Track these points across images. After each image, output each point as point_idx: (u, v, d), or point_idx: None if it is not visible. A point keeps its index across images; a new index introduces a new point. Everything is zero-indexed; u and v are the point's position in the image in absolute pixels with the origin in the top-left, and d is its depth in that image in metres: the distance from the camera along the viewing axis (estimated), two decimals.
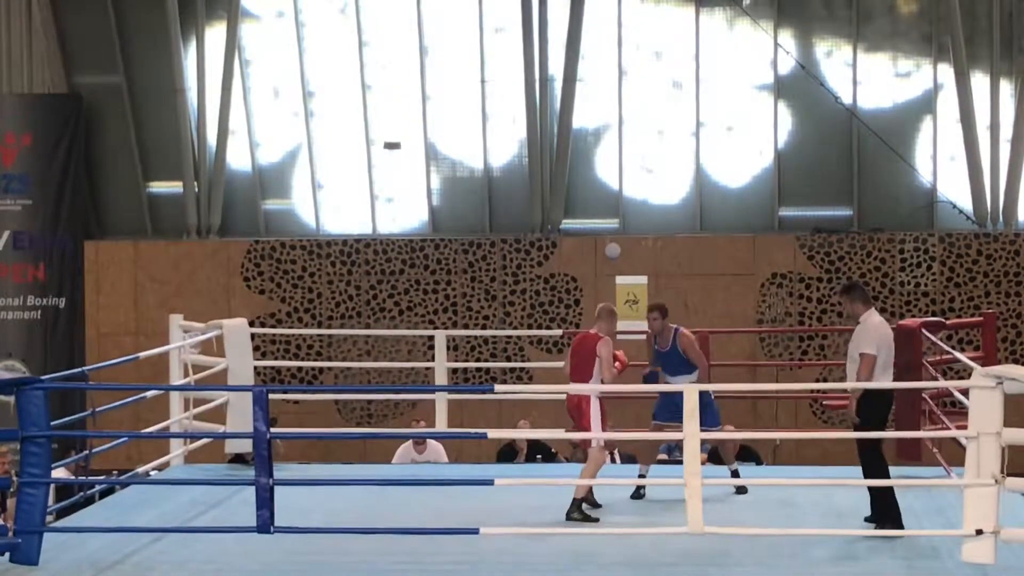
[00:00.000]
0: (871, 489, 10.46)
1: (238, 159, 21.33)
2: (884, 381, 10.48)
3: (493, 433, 10.98)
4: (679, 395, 10.40)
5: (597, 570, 9.52)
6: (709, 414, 11.66)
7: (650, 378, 12.28)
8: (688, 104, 20.73)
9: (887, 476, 10.39)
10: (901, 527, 10.23)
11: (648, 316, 12.41)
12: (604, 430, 11.09)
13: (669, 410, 11.70)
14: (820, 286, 20.21)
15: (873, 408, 10.38)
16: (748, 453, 16.09)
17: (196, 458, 13.59)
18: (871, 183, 20.58)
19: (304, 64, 21.03)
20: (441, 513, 11.07)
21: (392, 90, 20.99)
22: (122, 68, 21.12)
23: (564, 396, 12.37)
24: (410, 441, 15.64)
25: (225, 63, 20.74)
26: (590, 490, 11.20)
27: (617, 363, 11.29)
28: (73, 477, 14.42)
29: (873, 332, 10.47)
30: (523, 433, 15.83)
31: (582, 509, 11.02)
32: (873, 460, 10.40)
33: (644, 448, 12.47)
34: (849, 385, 10.66)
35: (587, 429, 11.02)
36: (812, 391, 17.83)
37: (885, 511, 10.34)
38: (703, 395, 11.59)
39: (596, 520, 10.97)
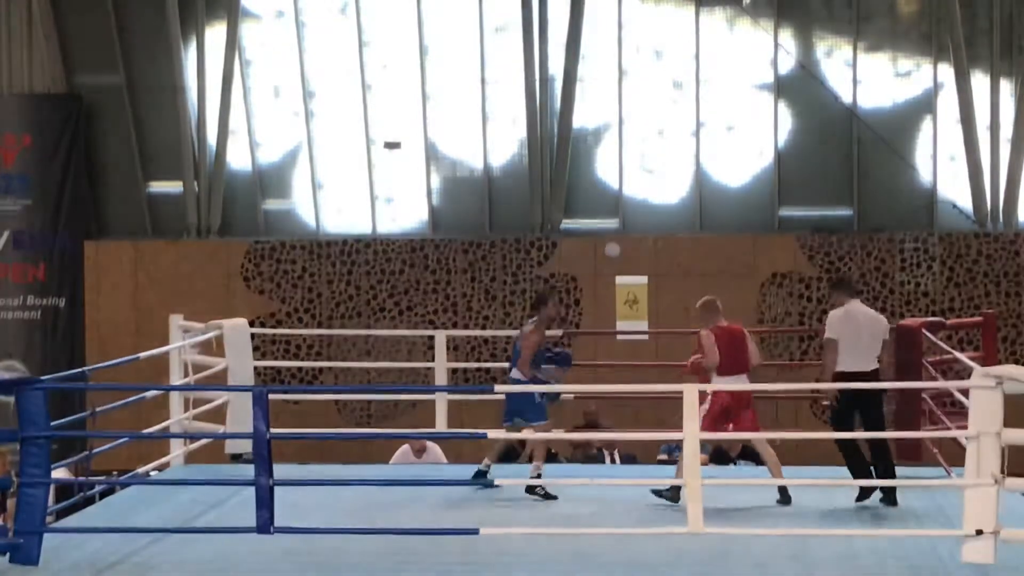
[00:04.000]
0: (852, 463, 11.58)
1: (238, 159, 21.33)
2: (847, 363, 11.60)
3: (493, 433, 11.01)
4: None
5: (597, 570, 9.51)
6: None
7: None
8: (688, 104, 20.73)
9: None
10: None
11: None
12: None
13: None
14: (820, 286, 20.20)
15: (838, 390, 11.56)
16: (749, 453, 16.06)
17: (196, 458, 13.60)
18: (871, 183, 20.58)
19: (304, 64, 21.03)
20: (441, 513, 11.07)
21: (392, 90, 20.98)
22: (122, 68, 21.12)
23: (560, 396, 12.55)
24: (407, 446, 15.57)
25: (225, 63, 20.74)
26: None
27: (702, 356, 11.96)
28: (73, 477, 14.41)
29: (831, 320, 11.82)
30: (526, 434, 15.77)
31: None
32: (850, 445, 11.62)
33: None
34: (848, 386, 10.77)
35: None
36: (812, 391, 17.82)
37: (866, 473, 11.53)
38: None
39: None
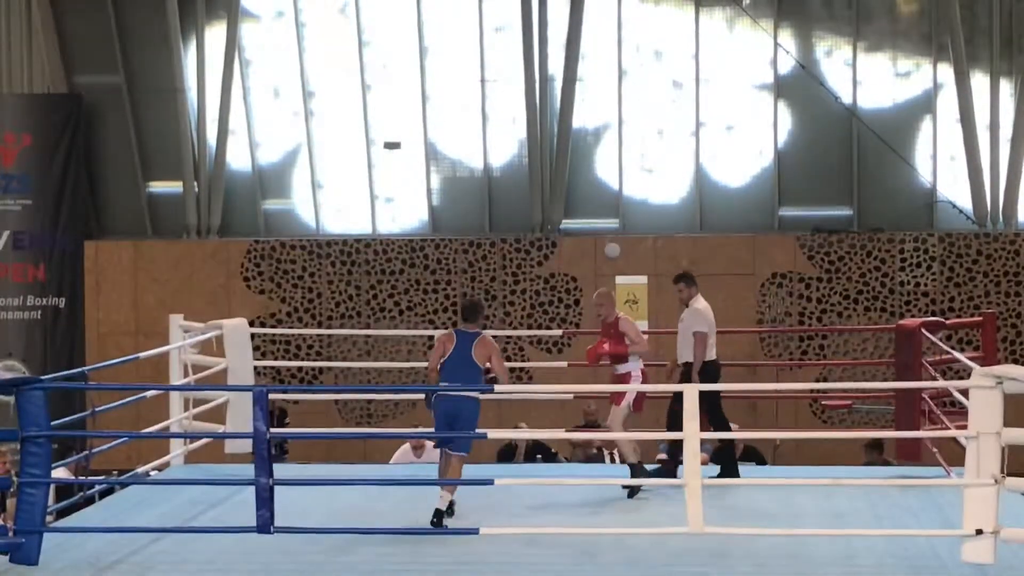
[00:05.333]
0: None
1: (238, 159, 21.33)
2: (712, 352, 12.46)
3: (493, 433, 11.00)
4: None
5: (597, 570, 9.52)
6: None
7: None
8: (688, 104, 20.74)
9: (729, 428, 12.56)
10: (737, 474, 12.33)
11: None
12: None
13: None
14: (820, 286, 20.21)
15: (709, 376, 12.33)
16: (750, 453, 16.08)
17: (196, 458, 13.59)
18: (871, 183, 20.59)
19: (304, 64, 21.04)
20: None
21: (392, 90, 20.99)
22: (122, 68, 21.13)
23: (558, 395, 12.53)
24: (408, 445, 15.59)
25: (225, 63, 20.74)
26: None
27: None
28: (73, 477, 14.41)
29: (704, 315, 12.47)
30: (523, 433, 15.79)
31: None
32: (718, 417, 12.47)
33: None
34: (848, 385, 10.78)
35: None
36: (812, 391, 17.84)
37: (730, 462, 12.51)
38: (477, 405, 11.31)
39: None
